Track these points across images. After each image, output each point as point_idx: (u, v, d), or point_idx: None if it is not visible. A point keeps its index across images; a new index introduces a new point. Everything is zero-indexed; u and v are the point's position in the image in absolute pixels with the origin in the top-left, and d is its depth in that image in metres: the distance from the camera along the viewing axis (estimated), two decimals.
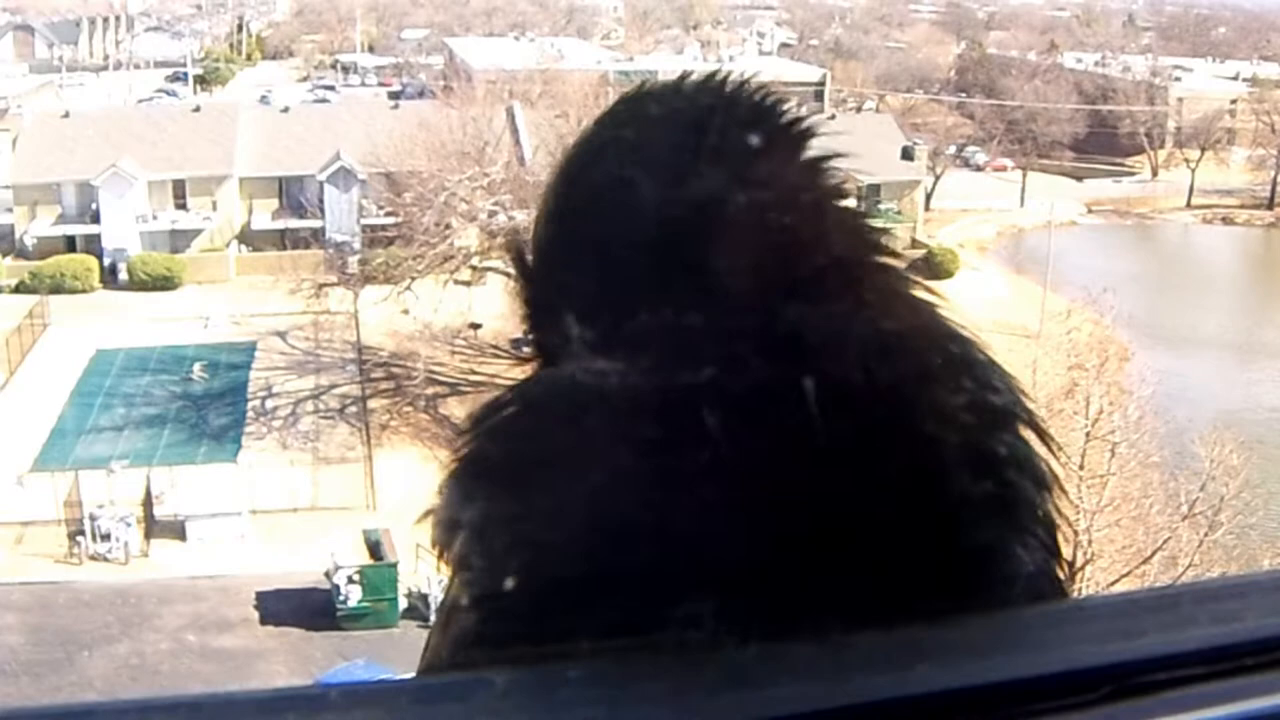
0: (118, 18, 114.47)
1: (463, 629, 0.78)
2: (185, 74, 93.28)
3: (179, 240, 52.00)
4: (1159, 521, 25.41)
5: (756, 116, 0.86)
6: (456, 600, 0.80)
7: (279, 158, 53.12)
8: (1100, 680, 0.59)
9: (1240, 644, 0.62)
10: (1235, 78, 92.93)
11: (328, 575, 27.78)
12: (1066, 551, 0.83)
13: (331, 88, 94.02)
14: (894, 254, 0.88)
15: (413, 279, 41.72)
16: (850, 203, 0.88)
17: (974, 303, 52.30)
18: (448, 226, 42.80)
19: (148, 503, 31.79)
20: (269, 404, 40.17)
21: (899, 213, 56.94)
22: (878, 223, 0.90)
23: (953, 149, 75.10)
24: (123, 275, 49.86)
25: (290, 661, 26.26)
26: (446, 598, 0.86)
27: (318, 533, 30.80)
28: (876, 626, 0.65)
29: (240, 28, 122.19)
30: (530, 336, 0.90)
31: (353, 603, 27.21)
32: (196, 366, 41.94)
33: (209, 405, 39.66)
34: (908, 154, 57.89)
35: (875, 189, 55.99)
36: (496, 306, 45.75)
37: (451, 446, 0.83)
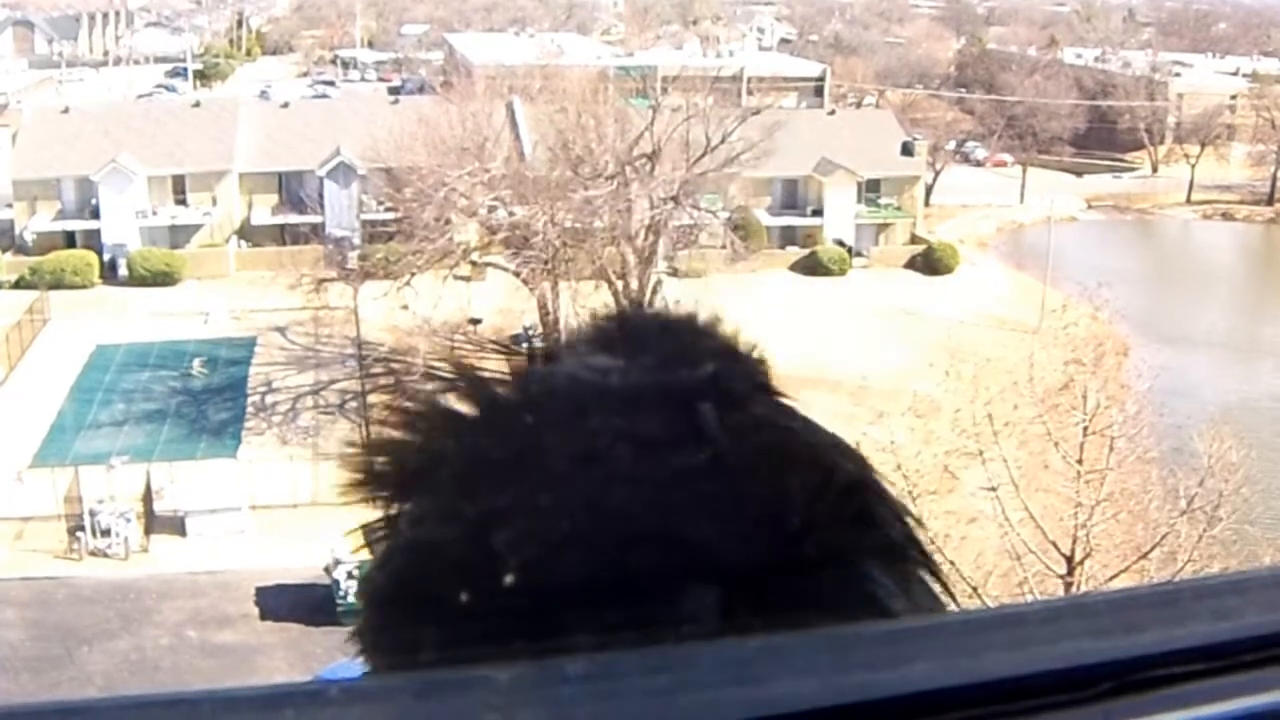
0: (117, 13, 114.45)
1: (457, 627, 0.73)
2: (185, 69, 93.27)
3: (179, 236, 51.97)
4: (1158, 517, 25.33)
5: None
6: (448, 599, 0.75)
7: (279, 153, 53.09)
8: (1099, 676, 0.59)
9: (1240, 640, 0.62)
10: (1235, 73, 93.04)
11: (328, 570, 27.74)
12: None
13: (331, 83, 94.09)
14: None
15: (412, 274, 41.68)
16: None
17: (973, 298, 52.38)
18: (447, 222, 42.78)
19: (147, 498, 31.78)
20: (269, 399, 40.18)
21: (899, 208, 56.95)
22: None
23: (952, 144, 75.09)
24: (122, 271, 49.84)
25: (290, 657, 26.26)
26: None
27: (318, 528, 30.78)
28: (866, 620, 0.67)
29: (240, 23, 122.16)
30: None
31: (353, 598, 27.20)
32: (196, 362, 41.91)
33: (209, 400, 39.64)
34: (907, 149, 57.85)
35: (875, 184, 55.99)
36: (496, 302, 45.82)
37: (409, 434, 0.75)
